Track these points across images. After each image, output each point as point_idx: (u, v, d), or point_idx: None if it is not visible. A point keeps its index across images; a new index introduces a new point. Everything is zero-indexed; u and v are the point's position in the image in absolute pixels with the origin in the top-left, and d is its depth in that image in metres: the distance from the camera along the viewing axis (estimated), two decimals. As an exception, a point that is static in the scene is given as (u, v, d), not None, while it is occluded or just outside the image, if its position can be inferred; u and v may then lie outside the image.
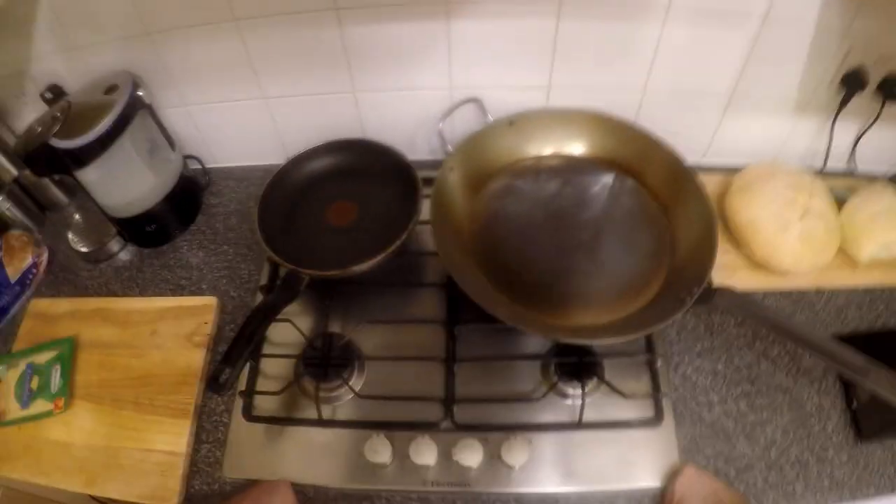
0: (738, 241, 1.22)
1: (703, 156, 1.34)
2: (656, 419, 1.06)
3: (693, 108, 1.25)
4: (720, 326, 1.17)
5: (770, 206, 1.18)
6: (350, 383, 1.06)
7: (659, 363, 1.09)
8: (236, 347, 0.97)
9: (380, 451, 0.99)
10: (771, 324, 1.03)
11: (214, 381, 0.94)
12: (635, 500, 1.01)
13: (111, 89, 1.12)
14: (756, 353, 1.14)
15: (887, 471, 1.05)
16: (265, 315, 1.02)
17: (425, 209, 1.10)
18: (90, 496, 1.25)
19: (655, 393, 1.07)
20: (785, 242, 1.17)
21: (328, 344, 1.09)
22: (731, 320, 1.17)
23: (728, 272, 1.20)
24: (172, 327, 1.17)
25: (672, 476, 1.00)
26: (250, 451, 1.05)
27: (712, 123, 1.28)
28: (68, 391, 1.13)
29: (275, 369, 1.11)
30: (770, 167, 1.25)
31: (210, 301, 1.18)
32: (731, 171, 1.30)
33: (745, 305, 1.05)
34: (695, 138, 1.29)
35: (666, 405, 1.07)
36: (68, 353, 1.16)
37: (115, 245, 1.28)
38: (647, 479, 1.01)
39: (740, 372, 1.12)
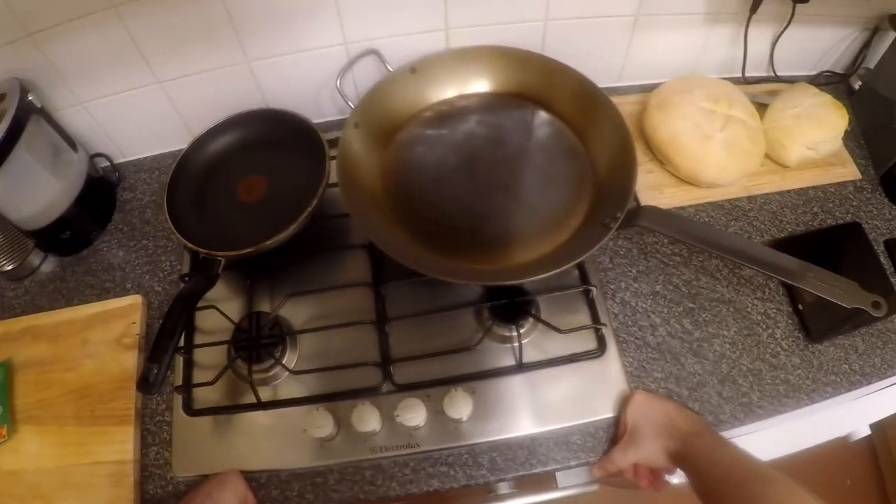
0: (661, 159, 1.19)
1: (617, 79, 1.30)
2: (599, 350, 1.03)
3: (600, 31, 1.20)
4: (654, 247, 1.14)
5: (689, 119, 1.15)
6: (283, 361, 1.02)
7: (593, 293, 1.07)
8: (160, 343, 0.93)
9: (322, 424, 0.96)
10: (699, 238, 0.99)
11: (144, 382, 0.90)
12: (589, 434, 0.99)
13: (-2, 99, 1.06)
14: (693, 268, 1.12)
15: (841, 368, 1.04)
16: (184, 305, 0.98)
17: (334, 171, 1.05)
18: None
19: (595, 324, 1.05)
20: (708, 154, 1.14)
21: (256, 324, 1.05)
22: (664, 241, 1.14)
23: (656, 191, 1.17)
24: (102, 333, 1.13)
25: (623, 404, 0.98)
26: (197, 446, 1.01)
27: (622, 44, 1.24)
28: (9, 417, 1.08)
29: (208, 358, 1.07)
30: (687, 81, 1.21)
31: (134, 300, 1.14)
32: (650, 91, 1.27)
33: (670, 222, 1.02)
34: (607, 62, 1.25)
35: (607, 334, 1.04)
36: (3, 378, 1.12)
37: (35, 259, 1.22)
38: (599, 410, 0.99)
39: (680, 290, 1.10)
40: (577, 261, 0.97)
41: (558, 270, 0.94)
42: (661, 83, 1.24)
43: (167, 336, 0.94)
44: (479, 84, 1.19)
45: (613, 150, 1.06)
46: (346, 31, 1.14)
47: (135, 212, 1.26)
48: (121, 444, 1.03)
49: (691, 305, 1.09)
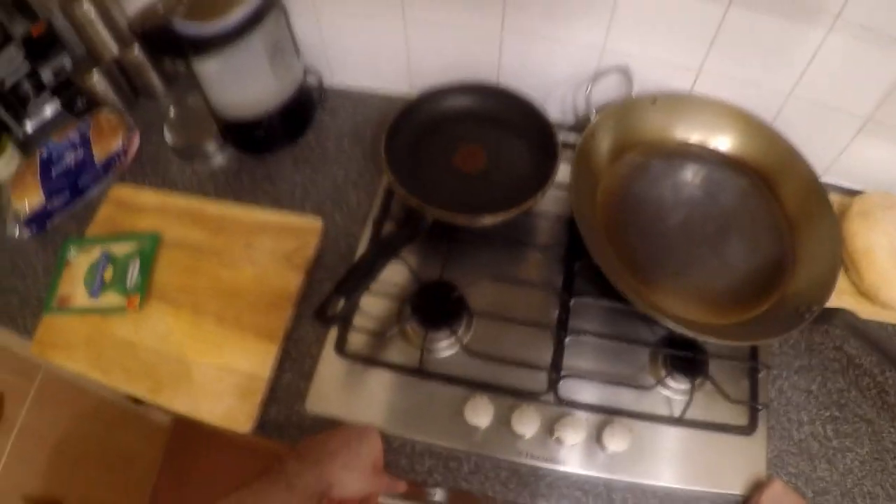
0: (849, 267, 1.15)
1: (824, 173, 1.26)
2: (750, 428, 0.99)
3: (829, 123, 1.16)
4: (819, 347, 1.11)
5: (888, 236, 1.12)
6: (458, 336, 0.97)
7: (762, 373, 1.03)
8: (352, 278, 0.89)
9: (482, 412, 0.92)
10: (887, 352, 0.97)
11: (323, 313, 0.85)
12: None
13: (246, -21, 1.00)
14: (848, 380, 1.08)
15: None
16: (385, 251, 0.94)
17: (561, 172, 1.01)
18: (133, 400, 1.15)
19: (753, 402, 1.01)
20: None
21: (440, 292, 0.99)
22: (829, 343, 1.11)
23: (834, 296, 1.12)
24: (270, 243, 1.06)
25: (758, 487, 0.95)
26: (337, 387, 0.96)
27: (842, 142, 1.19)
28: (145, 290, 1.03)
29: (376, 308, 1.02)
30: (890, 197, 1.18)
31: (315, 223, 1.08)
32: (846, 194, 1.23)
33: (864, 329, 1.00)
34: (821, 154, 1.21)
35: (761, 416, 1.00)
36: (150, 249, 1.06)
37: (211, 145, 1.16)
38: (732, 486, 0.95)
39: (831, 396, 1.07)
40: (771, 340, 0.97)
41: (750, 343, 0.95)
42: (860, 191, 1.21)
43: (362, 274, 0.90)
44: (720, 140, 1.15)
45: (822, 252, 1.04)
46: (610, 38, 1.09)
47: (331, 136, 1.20)
48: (259, 359, 0.98)
49: (837, 414, 1.05)
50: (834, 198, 1.21)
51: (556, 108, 1.22)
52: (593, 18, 1.06)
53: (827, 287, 0.97)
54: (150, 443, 1.93)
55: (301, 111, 1.18)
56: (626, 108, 1.10)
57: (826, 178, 1.23)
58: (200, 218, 1.10)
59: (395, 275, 1.01)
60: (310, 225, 1.08)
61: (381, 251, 0.93)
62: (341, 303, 0.89)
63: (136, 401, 1.08)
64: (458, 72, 1.12)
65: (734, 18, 1.02)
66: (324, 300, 0.88)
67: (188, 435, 1.92)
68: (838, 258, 1.01)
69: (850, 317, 1.00)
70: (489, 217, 0.95)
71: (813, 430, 1.02)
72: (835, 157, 1.20)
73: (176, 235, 1.08)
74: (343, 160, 1.16)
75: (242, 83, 1.06)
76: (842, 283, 1.14)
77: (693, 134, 1.14)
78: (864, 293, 1.13)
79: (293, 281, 1.03)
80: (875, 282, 1.10)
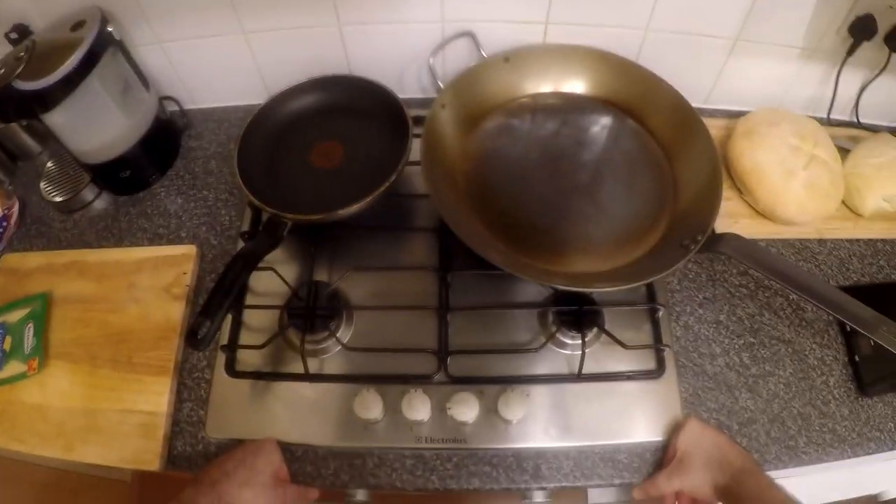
0: (740, 188, 1.13)
1: (704, 100, 1.23)
2: (658, 371, 0.97)
3: (697, 49, 1.13)
4: (722, 276, 1.07)
5: (774, 152, 1.09)
6: (337, 335, 0.95)
7: (661, 313, 1.00)
8: (215, 299, 0.86)
9: (370, 406, 0.89)
10: (778, 273, 0.92)
11: (193, 336, 0.83)
12: (636, 455, 0.92)
13: (78, 25, 0.99)
14: (759, 303, 1.05)
15: (887, 426, 0.98)
16: (245, 263, 0.90)
17: (415, 149, 0.99)
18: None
19: (657, 344, 0.98)
20: (789, 190, 1.07)
21: (314, 293, 0.97)
22: (732, 269, 1.08)
23: (730, 220, 1.10)
24: (150, 279, 1.05)
25: (675, 429, 0.92)
26: (234, 408, 0.94)
27: (716, 67, 1.17)
28: (42, 351, 1.01)
29: (258, 321, 0.99)
30: (775, 113, 1.14)
31: (189, 250, 1.06)
32: (733, 117, 1.20)
33: (751, 252, 0.95)
34: (697, 82, 1.18)
35: (668, 357, 0.97)
36: (41, 310, 1.04)
37: (89, 194, 1.15)
38: (649, 432, 0.93)
39: (742, 323, 1.04)
40: (654, 278, 0.92)
41: (635, 285, 0.90)
42: (747, 112, 1.17)
43: (223, 292, 0.87)
44: (573, 84, 1.12)
45: (701, 174, 1.00)
46: (446, 9, 1.06)
47: (199, 161, 1.18)
48: (155, 396, 0.96)
49: (752, 340, 1.02)
50: (722, 122, 1.19)
51: (415, 86, 1.20)
52: None
53: (710, 213, 0.93)
54: (118, 501, 1.90)
55: (164, 141, 1.17)
56: (477, 73, 1.07)
57: (709, 104, 1.21)
58: (84, 269, 1.08)
59: (271, 285, 0.99)
60: (185, 253, 1.06)
61: (242, 265, 0.90)
62: (209, 324, 0.86)
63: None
64: (310, 71, 1.10)
65: None
66: (192, 325, 0.85)
67: (153, 485, 1.89)
68: (718, 181, 0.96)
69: (737, 240, 0.96)
70: (345, 209, 0.92)
71: (728, 361, 0.99)
72: (712, 82, 1.18)
73: (64, 291, 1.07)
74: (212, 182, 1.15)
75: (96, 127, 1.05)
76: (738, 206, 1.12)
77: (545, 84, 1.11)
78: (761, 213, 1.11)
79: (175, 312, 1.01)
80: (768, 200, 1.08)
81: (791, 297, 1.03)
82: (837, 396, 0.99)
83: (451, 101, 1.03)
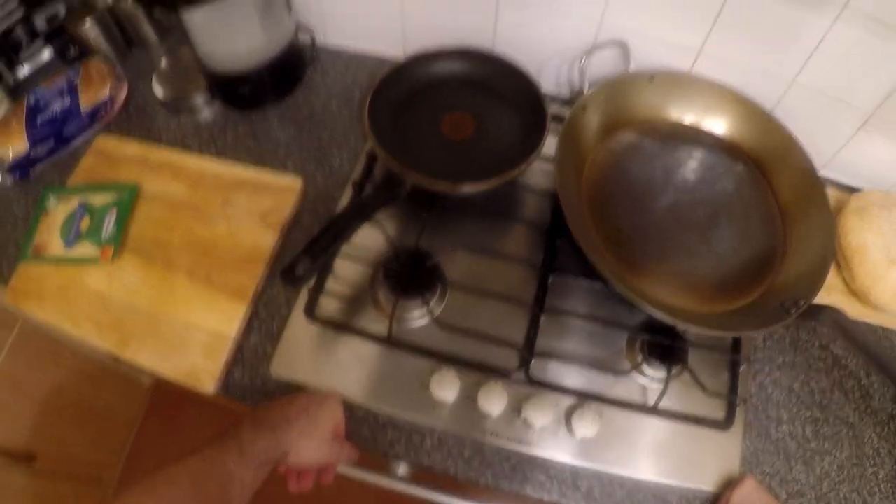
0: (840, 263, 1.07)
1: (823, 166, 1.17)
2: (727, 422, 0.91)
3: (832, 113, 1.07)
4: (805, 344, 1.02)
5: (883, 236, 1.03)
6: (430, 306, 0.88)
7: (742, 367, 0.94)
8: (322, 240, 0.81)
9: (447, 386, 0.83)
10: (873, 354, 0.89)
11: (290, 273, 0.77)
12: (687, 500, 0.87)
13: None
14: (832, 380, 1.00)
15: None
16: (360, 213, 0.86)
17: (547, 144, 0.92)
18: (113, 358, 1.07)
19: (732, 396, 0.92)
20: (889, 277, 1.01)
21: (415, 260, 0.90)
22: (815, 341, 1.02)
23: (824, 292, 1.03)
24: (247, 201, 0.98)
25: (730, 484, 0.87)
26: (305, 352, 0.88)
27: (844, 136, 1.10)
28: (119, 241, 0.95)
29: (349, 273, 0.93)
30: (889, 197, 1.09)
31: (295, 182, 0.99)
32: (844, 190, 1.14)
33: (851, 329, 0.91)
34: (822, 146, 1.11)
35: (739, 411, 0.92)
36: (128, 200, 0.97)
37: (199, 99, 1.07)
38: (704, 481, 0.87)
39: (813, 396, 0.98)
40: (750, 333, 0.90)
41: (730, 334, 0.88)
42: (861, 188, 1.12)
43: (332, 236, 0.82)
44: (715, 123, 1.05)
45: (814, 246, 0.95)
46: (607, 13, 1.00)
47: (320, 97, 1.11)
48: (226, 318, 0.90)
49: (818, 415, 0.97)
50: (831, 193, 1.12)
51: (551, 80, 1.13)
52: None
53: (816, 282, 0.88)
54: (131, 402, 1.84)
55: (290, 69, 1.09)
56: (622, 84, 1.00)
57: (825, 172, 1.16)
58: (180, 172, 1.01)
59: (371, 240, 0.93)
60: (289, 184, 0.99)
61: (356, 213, 0.84)
62: (309, 264, 0.80)
63: (117, 359, 1.00)
64: (454, 37, 1.03)
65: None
66: (293, 261, 0.79)
67: (169, 395, 1.83)
68: (830, 253, 0.92)
69: (838, 315, 0.91)
70: (469, 185, 0.86)
71: (792, 430, 0.94)
72: (835, 150, 1.12)
73: (155, 188, 1.00)
74: (329, 121, 1.08)
75: (231, 36, 0.97)
76: (833, 280, 1.06)
77: (688, 115, 1.05)
78: (854, 292, 1.05)
79: (267, 240, 0.94)
80: (866, 281, 1.02)
81: (863, 383, 0.98)
82: (883, 490, 0.94)
83: (593, 105, 0.97)
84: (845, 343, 0.91)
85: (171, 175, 1.01)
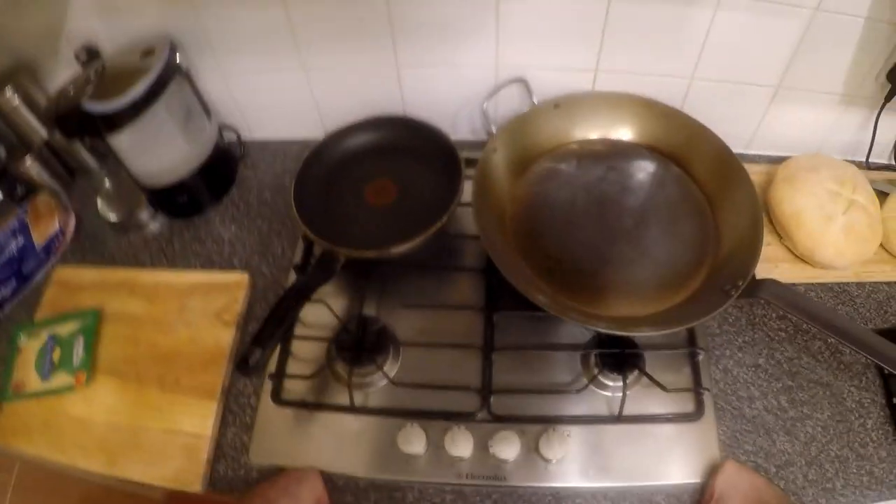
0: (780, 233, 1.13)
1: (746, 146, 1.23)
2: (697, 413, 0.95)
3: (740, 97, 1.14)
4: (762, 320, 1.07)
5: (814, 198, 1.09)
6: (384, 369, 0.95)
7: (701, 356, 0.99)
8: (268, 328, 0.86)
9: (414, 440, 0.88)
10: (816, 318, 0.93)
11: (244, 363, 0.83)
12: (674, 496, 0.91)
13: (148, 53, 1.01)
14: (797, 347, 1.04)
15: None
16: (299, 295, 0.91)
17: (466, 191, 0.99)
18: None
19: (696, 387, 0.97)
20: (828, 235, 1.07)
21: (362, 327, 0.97)
22: (772, 313, 1.07)
23: (770, 265, 1.10)
24: (202, 303, 1.05)
25: (712, 472, 0.91)
26: (278, 436, 0.94)
27: (758, 114, 1.17)
28: (91, 365, 1.02)
29: (306, 352, 0.99)
30: (814, 159, 1.15)
31: (242, 277, 1.06)
32: (774, 163, 1.20)
33: (790, 298, 0.95)
34: (740, 128, 1.19)
35: (707, 400, 0.97)
36: (92, 324, 1.05)
37: (144, 214, 1.15)
38: (687, 474, 0.91)
39: (781, 366, 1.03)
40: (695, 323, 0.92)
41: (676, 329, 0.90)
42: (787, 157, 1.17)
43: (276, 322, 0.87)
44: (621, 132, 1.12)
45: (742, 220, 1.00)
46: (500, 55, 1.08)
47: (253, 190, 1.19)
48: (201, 418, 0.96)
49: (790, 383, 1.01)
50: (762, 168, 1.19)
51: (466, 128, 1.20)
52: (480, 37, 1.05)
53: (750, 260, 0.93)
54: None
55: (222, 170, 1.18)
56: (528, 118, 1.07)
57: (750, 150, 1.22)
58: (137, 288, 1.09)
59: (322, 317, 0.99)
60: (237, 280, 1.06)
61: (295, 297, 0.90)
62: (260, 354, 0.87)
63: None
64: (367, 109, 1.11)
65: (618, 13, 1.00)
66: (244, 352, 0.85)
67: (184, 501, 1.87)
68: (758, 228, 0.96)
69: (777, 286, 0.96)
70: (398, 247, 0.93)
71: (766, 404, 0.98)
72: (754, 129, 1.18)
73: (116, 308, 1.08)
74: (266, 212, 1.15)
75: (157, 152, 1.06)
76: (778, 250, 1.12)
77: (595, 131, 1.12)
78: (800, 257, 1.11)
79: (225, 337, 1.02)
80: (808, 244, 1.08)
81: (829, 341, 1.02)
82: (875, 439, 0.98)
83: (502, 145, 1.03)
84: (788, 311, 0.95)
85: (128, 293, 1.09)
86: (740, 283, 0.90)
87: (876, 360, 0.89)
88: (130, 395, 1.00)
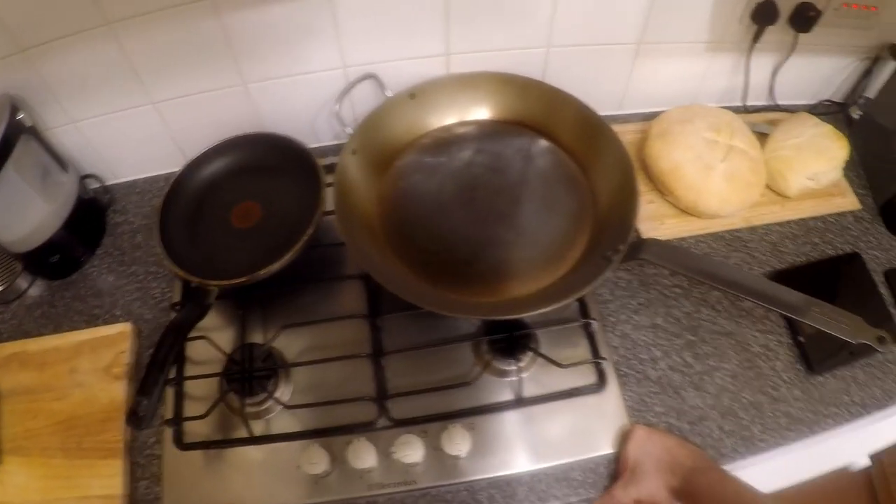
0: (662, 190, 1.16)
1: (618, 107, 1.27)
2: (599, 384, 1.00)
3: (602, 58, 1.18)
4: (654, 279, 1.11)
5: (691, 149, 1.13)
6: (276, 394, 0.98)
7: (594, 326, 1.03)
8: (150, 375, 0.89)
9: (316, 460, 0.92)
10: (702, 272, 0.97)
11: (133, 416, 0.86)
12: (590, 470, 0.96)
13: (-13, 118, 1.02)
14: (694, 300, 1.09)
15: (842, 399, 1.02)
16: (175, 336, 0.93)
17: (331, 198, 1.02)
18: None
19: (595, 358, 1.02)
20: (710, 185, 1.11)
21: (249, 355, 1.00)
22: (664, 272, 1.11)
23: (656, 222, 1.14)
24: (90, 362, 1.08)
25: (623, 440, 0.96)
26: (189, 481, 0.97)
27: (623, 72, 1.21)
28: (-5, 448, 1.03)
29: (200, 390, 1.02)
30: (688, 110, 1.19)
31: (124, 328, 1.09)
32: (650, 119, 1.24)
33: (673, 255, 0.99)
34: (608, 89, 1.23)
35: (608, 368, 1.01)
36: (-11, 406, 1.07)
37: (23, 282, 1.17)
38: (600, 446, 0.97)
39: (681, 322, 1.07)
40: (578, 295, 0.94)
41: (560, 304, 0.91)
42: (662, 111, 1.21)
43: (157, 368, 0.89)
44: (480, 111, 1.16)
45: (615, 182, 1.04)
46: (345, 55, 1.11)
47: (125, 236, 1.21)
48: (109, 479, 0.98)
49: (692, 338, 1.06)
50: (636, 126, 1.23)
51: (329, 134, 1.24)
52: (321, 40, 1.07)
53: (627, 222, 0.97)
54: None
55: (90, 221, 1.20)
56: (383, 113, 1.10)
57: (623, 110, 1.26)
58: (26, 359, 1.11)
59: (206, 353, 1.02)
60: (121, 331, 1.09)
61: (173, 338, 0.93)
62: (147, 402, 0.90)
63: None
64: (225, 132, 1.13)
65: None
66: (132, 405, 0.89)
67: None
68: (631, 188, 1.00)
69: (656, 245, 0.99)
70: (266, 269, 0.96)
71: (670, 363, 1.03)
72: (623, 88, 1.23)
73: (10, 385, 1.10)
74: (141, 256, 1.18)
75: (17, 217, 1.08)
76: (662, 207, 1.16)
77: (452, 116, 1.15)
78: (686, 211, 1.15)
79: (118, 391, 1.04)
80: (690, 196, 1.12)
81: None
82: (787, 379, 1.03)
83: (360, 145, 1.06)
84: (672, 268, 1.00)
85: (19, 366, 1.11)
86: (620, 248, 0.94)
87: (767, 306, 0.93)
88: (38, 469, 1.02)
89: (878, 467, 2.15)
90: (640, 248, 0.98)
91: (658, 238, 1.02)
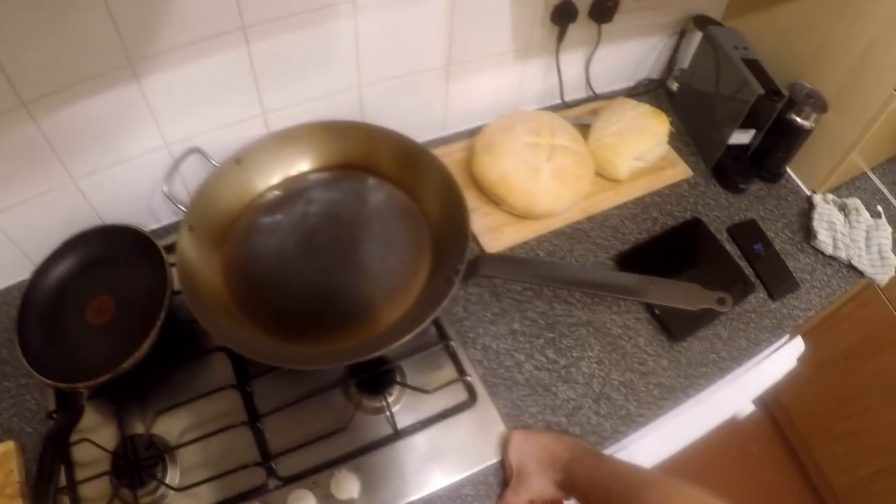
0: (496, 200, 1.30)
1: (442, 129, 1.41)
2: (471, 400, 1.14)
3: (415, 87, 1.30)
4: (504, 287, 1.24)
5: (515, 157, 1.26)
6: (167, 480, 1.09)
7: (453, 346, 1.17)
8: (40, 490, 0.99)
9: (220, 535, 1.02)
10: (539, 276, 1.12)
11: None
12: (481, 482, 1.09)
13: None
14: (546, 299, 1.23)
15: (709, 358, 1.18)
16: (55, 445, 1.04)
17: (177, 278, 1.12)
18: None
19: (461, 376, 1.15)
20: (539, 186, 1.25)
21: (132, 447, 1.11)
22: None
23: (496, 232, 1.28)
24: (-18, 488, 1.17)
25: (503, 446, 1.09)
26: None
27: (440, 96, 1.34)
28: None
29: (94, 492, 1.11)
30: (508, 119, 1.32)
31: (7, 447, 1.17)
32: (475, 135, 1.37)
33: (508, 267, 1.14)
34: (428, 115, 1.36)
35: (475, 382, 1.15)
36: None
37: None
38: (484, 457, 1.10)
39: (537, 323, 1.21)
40: (426, 322, 1.06)
41: (413, 333, 1.03)
42: (485, 125, 1.35)
43: (45, 481, 0.99)
44: (306, 162, 1.28)
45: (444, 203, 1.17)
46: (165, 134, 1.21)
47: (-13, 355, 1.29)
48: None
49: (551, 335, 1.20)
50: (463, 144, 1.37)
51: (168, 214, 1.35)
52: (139, 124, 1.18)
53: (462, 242, 1.10)
54: None
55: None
56: (213, 183, 1.21)
57: (448, 130, 1.41)
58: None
59: (93, 453, 1.12)
60: (4, 451, 1.15)
61: (53, 448, 1.03)
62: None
63: None
64: (67, 231, 1.23)
65: (259, 52, 1.14)
66: (30, 525, 1.00)
67: None
68: (460, 208, 1.13)
69: (490, 260, 1.15)
70: (128, 361, 1.07)
71: (535, 364, 1.17)
72: (443, 111, 1.36)
73: None
74: (9, 371, 1.26)
75: None
76: (500, 217, 1.30)
77: (277, 174, 1.28)
78: (523, 216, 1.28)
79: (15, 511, 1.15)
80: (523, 203, 1.26)
81: (576, 283, 1.19)
82: (652, 352, 1.18)
83: (195, 220, 1.17)
84: (510, 278, 1.14)
85: None
86: (459, 267, 1.07)
87: (606, 294, 1.08)
88: None
89: (777, 405, 2.37)
90: (478, 266, 1.12)
91: (493, 252, 1.16)
